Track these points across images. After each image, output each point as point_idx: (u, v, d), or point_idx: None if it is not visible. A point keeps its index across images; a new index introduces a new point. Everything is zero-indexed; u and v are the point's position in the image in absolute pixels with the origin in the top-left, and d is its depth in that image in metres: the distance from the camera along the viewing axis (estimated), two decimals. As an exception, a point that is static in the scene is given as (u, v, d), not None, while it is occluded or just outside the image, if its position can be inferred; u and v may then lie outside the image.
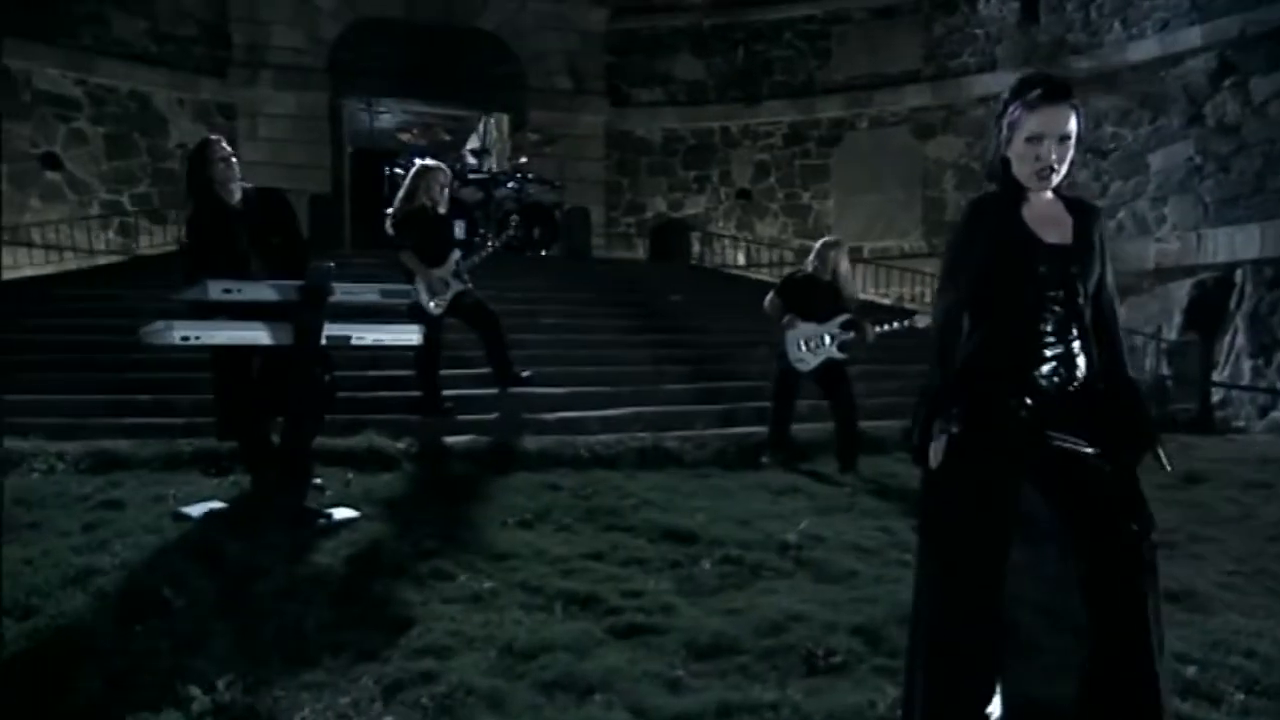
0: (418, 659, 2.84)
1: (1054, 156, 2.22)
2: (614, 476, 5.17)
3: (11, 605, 3.14)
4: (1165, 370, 10.31)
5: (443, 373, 6.35)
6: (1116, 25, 12.22)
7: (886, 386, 7.90)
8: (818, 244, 6.10)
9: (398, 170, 9.64)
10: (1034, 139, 2.22)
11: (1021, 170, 2.26)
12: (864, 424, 6.72)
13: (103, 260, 11.34)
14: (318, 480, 4.64)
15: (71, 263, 11.26)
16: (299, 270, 4.35)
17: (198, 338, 3.95)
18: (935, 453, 2.29)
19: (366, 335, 4.50)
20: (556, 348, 7.55)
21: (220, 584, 3.40)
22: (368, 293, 4.49)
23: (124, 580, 3.39)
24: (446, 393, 6.23)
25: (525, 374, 6.39)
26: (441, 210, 6.24)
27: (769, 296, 6.05)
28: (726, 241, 14.65)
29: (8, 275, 10.49)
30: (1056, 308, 2.26)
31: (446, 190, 6.24)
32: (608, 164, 14.88)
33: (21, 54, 11.60)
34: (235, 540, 3.83)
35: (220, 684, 2.54)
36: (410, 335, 4.63)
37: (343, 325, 4.40)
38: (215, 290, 3.99)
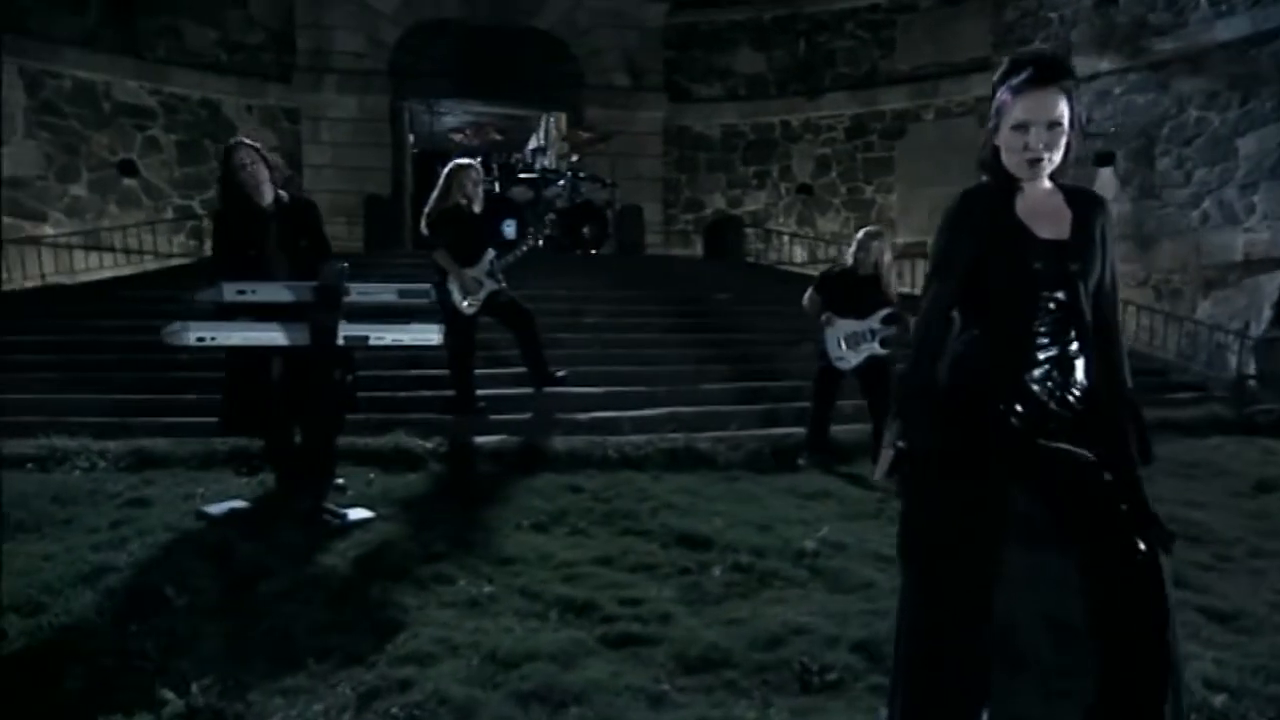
0: (400, 666, 2.80)
1: (1042, 144, 2.06)
2: (639, 478, 5.08)
3: (23, 601, 3.22)
4: (1251, 369, 9.75)
5: (481, 372, 6.35)
6: (1203, 3, 11.57)
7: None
8: (859, 234, 5.89)
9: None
10: (1020, 126, 2.06)
11: (1010, 160, 2.10)
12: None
13: (175, 262, 11.73)
14: (340, 480, 4.68)
15: (150, 264, 11.70)
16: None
17: (213, 339, 4.00)
18: (883, 463, 2.17)
19: (385, 335, 4.50)
20: (596, 347, 7.50)
21: (224, 584, 3.43)
22: (384, 293, 4.50)
23: (132, 578, 3.44)
24: (483, 392, 6.22)
25: (560, 374, 6.35)
26: (476, 209, 6.23)
27: (808, 292, 5.88)
28: (785, 238, 14.41)
29: (88, 277, 10.99)
30: (1052, 307, 2.10)
31: (480, 188, 6.23)
32: (666, 161, 14.77)
33: (103, 68, 12.09)
34: (248, 540, 3.87)
35: (195, 687, 2.54)
36: (430, 335, 4.61)
37: (361, 325, 4.42)
38: (230, 292, 4.04)
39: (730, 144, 15.00)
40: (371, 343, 4.47)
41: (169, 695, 2.50)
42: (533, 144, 14.92)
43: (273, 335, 4.14)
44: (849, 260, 5.82)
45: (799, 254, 14.30)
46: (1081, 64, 12.80)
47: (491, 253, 6.18)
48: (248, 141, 4.80)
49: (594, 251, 10.93)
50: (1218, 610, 3.37)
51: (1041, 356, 2.09)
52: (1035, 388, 2.08)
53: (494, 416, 6.05)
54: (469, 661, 2.83)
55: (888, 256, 5.78)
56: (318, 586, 3.45)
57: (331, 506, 4.26)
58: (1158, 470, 5.56)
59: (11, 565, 3.64)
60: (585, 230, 10.71)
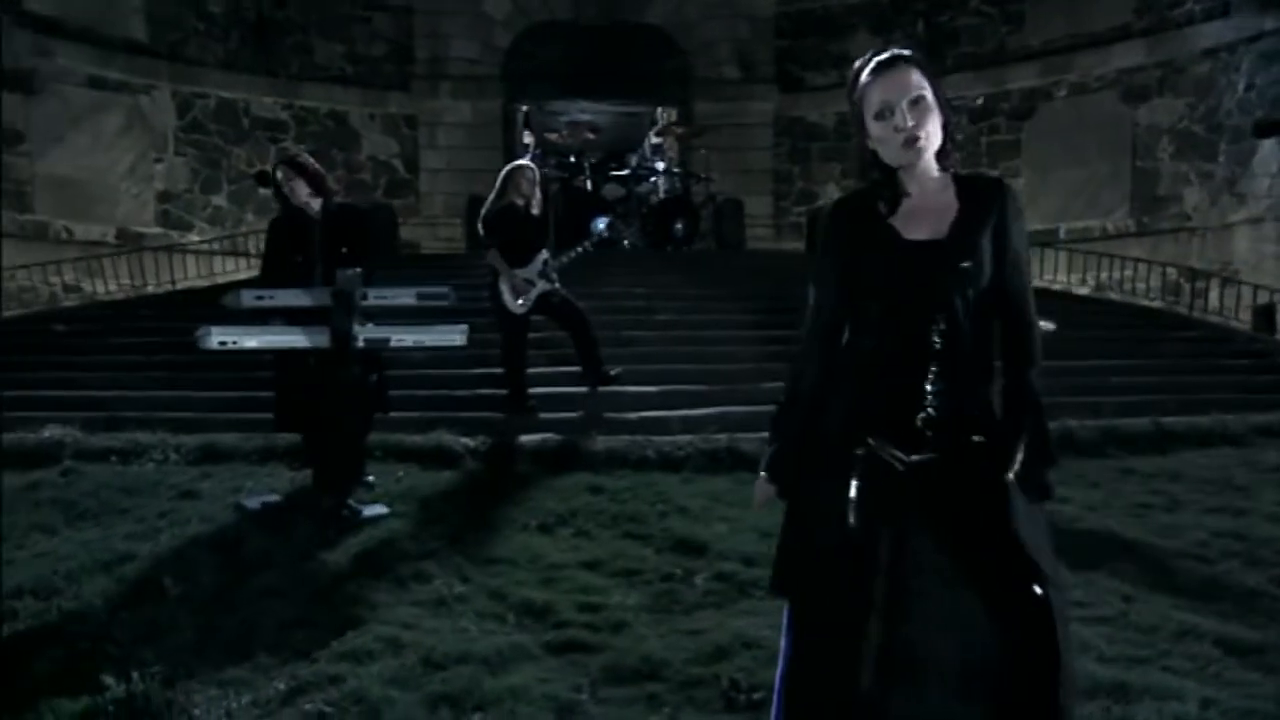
0: (338, 663, 2.90)
1: (911, 121, 1.87)
2: (667, 481, 5.02)
3: (42, 585, 3.54)
4: None
5: (540, 371, 6.46)
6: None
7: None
8: None
9: (545, 171, 9.87)
10: (883, 113, 1.89)
11: (888, 152, 1.91)
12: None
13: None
14: (370, 477, 4.87)
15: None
16: (367, 279, 4.58)
17: (235, 342, 4.25)
18: (758, 493, 2.04)
19: (406, 337, 4.65)
20: (664, 344, 7.46)
21: (222, 576, 3.65)
22: (403, 296, 4.64)
23: (143, 568, 3.72)
24: (539, 391, 6.31)
25: (614, 373, 6.36)
26: (534, 209, 6.32)
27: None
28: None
29: (224, 279, 11.88)
30: (928, 316, 1.89)
31: (537, 188, 6.32)
32: (777, 152, 14.50)
33: (242, 87, 13.05)
34: (264, 534, 4.10)
35: (136, 675, 2.71)
36: (454, 336, 4.71)
37: (383, 328, 4.58)
38: (247, 298, 4.28)
39: (845, 132, 14.44)
40: (392, 344, 4.64)
41: (110, 681, 2.68)
42: (652, 140, 14.97)
43: (293, 338, 4.36)
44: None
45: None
46: (1241, 24, 11.68)
47: (545, 253, 6.26)
48: (290, 159, 5.07)
49: (685, 247, 10.86)
50: (1239, 642, 3.01)
51: (918, 373, 1.89)
52: (910, 411, 1.88)
53: (545, 415, 6.12)
54: (404, 661, 2.90)
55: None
56: (305, 581, 3.61)
57: (351, 503, 4.45)
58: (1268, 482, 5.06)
59: (56, 550, 4.01)
60: (677, 226, 10.65)
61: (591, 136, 11.66)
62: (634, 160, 11.44)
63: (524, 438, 5.73)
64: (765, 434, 5.53)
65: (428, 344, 4.77)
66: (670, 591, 3.53)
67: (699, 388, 6.63)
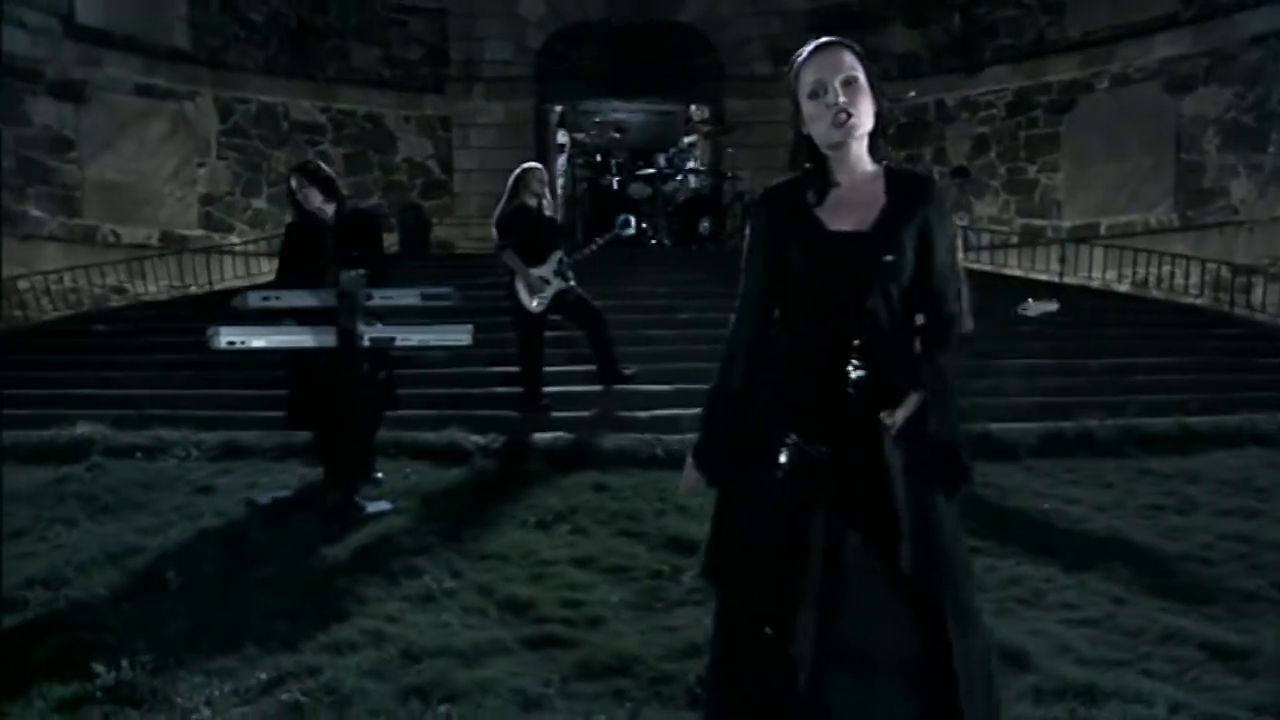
0: (319, 654, 2.98)
1: (844, 99, 1.89)
2: (673, 479, 4.94)
3: (54, 576, 3.69)
4: None
5: (556, 369, 6.52)
6: None
7: (1045, 384, 7.07)
8: None
9: (575, 171, 9.96)
10: (815, 93, 1.91)
11: (819, 131, 1.93)
12: (1004, 426, 6.07)
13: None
14: (379, 474, 4.98)
15: (316, 268, 12.78)
16: (377, 280, 4.69)
17: (242, 342, 4.38)
18: (686, 479, 2.08)
19: (412, 336, 4.75)
20: (683, 343, 7.47)
21: (222, 569, 3.76)
22: (408, 296, 4.73)
23: (150, 560, 3.85)
24: (553, 389, 6.38)
25: (628, 371, 6.40)
26: (546, 210, 6.40)
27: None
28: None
29: (262, 280, 12.17)
30: (852, 306, 1.91)
31: (546, 188, 6.39)
32: (811, 148, 14.40)
33: (282, 91, 13.34)
34: (268, 529, 4.22)
35: (125, 663, 2.82)
36: (460, 336, 4.79)
37: (389, 328, 4.68)
38: (255, 299, 4.41)
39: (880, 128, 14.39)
40: (398, 343, 4.74)
41: (100, 669, 2.79)
42: (689, 138, 14.99)
43: (299, 338, 4.48)
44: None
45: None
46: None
47: (559, 253, 6.32)
48: (303, 166, 5.20)
49: (711, 245, 10.86)
50: (1225, 647, 2.95)
51: (840, 361, 1.91)
52: (832, 399, 1.90)
53: (558, 414, 6.19)
54: (383, 654, 2.97)
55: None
56: (301, 575, 3.71)
57: (357, 499, 4.55)
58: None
59: (73, 543, 4.17)
60: (703, 224, 10.66)
61: (617, 136, 11.71)
62: (662, 160, 11.46)
63: (536, 436, 5.80)
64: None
65: (433, 343, 4.86)
66: (656, 589, 3.56)
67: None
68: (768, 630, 1.91)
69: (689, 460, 2.05)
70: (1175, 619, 3.17)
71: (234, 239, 12.79)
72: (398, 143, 13.97)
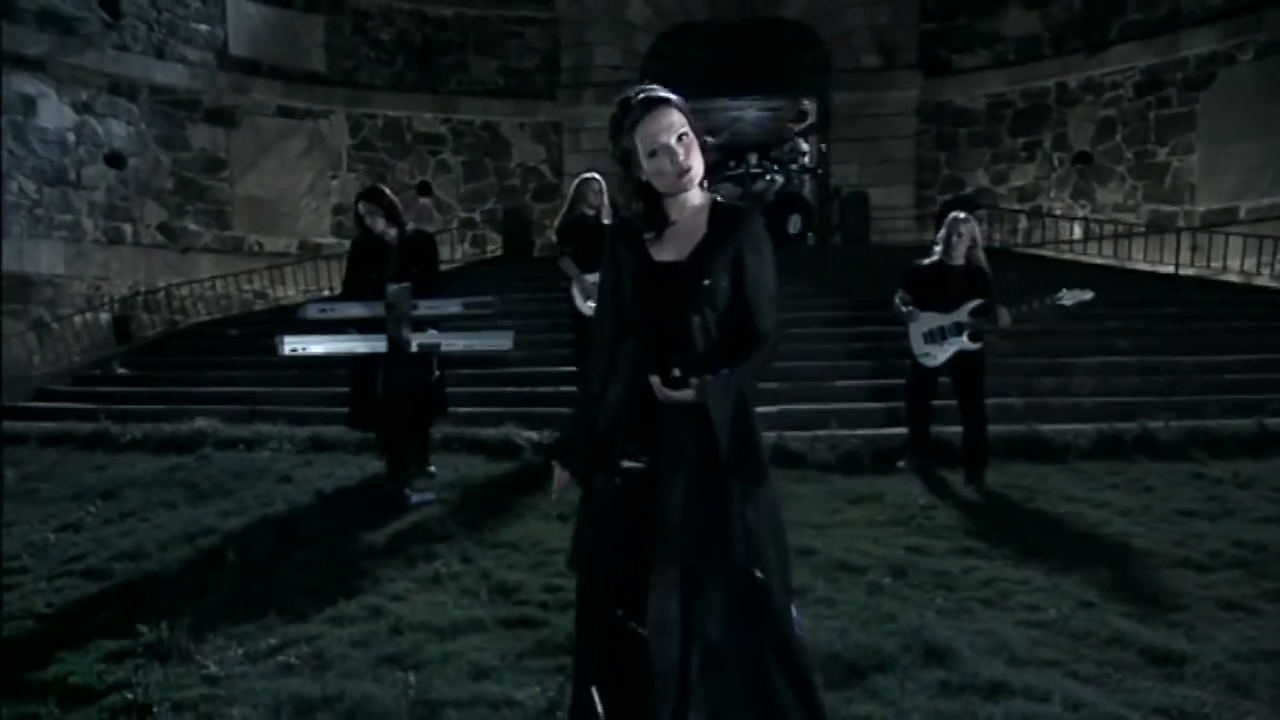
0: (321, 625, 3.43)
1: (680, 154, 2.13)
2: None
3: (140, 552, 4.33)
4: None
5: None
6: None
7: (1122, 383, 6.82)
8: (947, 219, 5.47)
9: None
10: (655, 152, 2.15)
11: (661, 182, 2.18)
12: (1058, 427, 5.97)
13: (457, 266, 13.53)
14: (431, 468, 5.45)
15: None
16: (429, 293, 5.17)
17: (304, 349, 4.92)
18: (556, 480, 2.34)
19: (457, 343, 5.19)
20: (750, 342, 7.63)
21: (272, 549, 4.29)
22: (450, 306, 5.16)
23: (217, 540, 4.44)
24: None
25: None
26: (604, 218, 6.71)
27: (899, 292, 5.60)
28: (1021, 216, 13.17)
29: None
30: (676, 329, 2.15)
31: (605, 198, 6.70)
32: (922, 139, 14.13)
33: (406, 105, 14.28)
34: (322, 516, 4.75)
35: (164, 625, 3.35)
36: (501, 341, 5.19)
37: (436, 334, 5.14)
38: (313, 311, 4.94)
39: (996, 115, 13.98)
40: (443, 349, 5.19)
41: (144, 629, 3.33)
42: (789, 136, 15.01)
43: (352, 345, 4.99)
44: (935, 253, 5.45)
45: (1069, 231, 12.99)
46: None
47: (616, 259, 6.62)
48: (370, 192, 5.69)
49: (800, 244, 10.89)
50: (1166, 653, 2.94)
51: (664, 369, 2.14)
52: (654, 408, 2.14)
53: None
54: (375, 627, 3.38)
55: (979, 242, 5.33)
56: (334, 556, 4.19)
57: (407, 491, 5.03)
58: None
59: (166, 524, 4.84)
60: (791, 222, 10.71)
61: (710, 140, 11.87)
62: (753, 158, 11.56)
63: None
64: (814, 432, 5.78)
65: (477, 349, 5.27)
66: (639, 578, 3.82)
67: (768, 385, 6.78)
68: (621, 613, 2.19)
69: (554, 463, 2.33)
70: (1129, 624, 3.17)
71: (363, 245, 13.78)
72: (512, 149, 14.67)
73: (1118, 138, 13.08)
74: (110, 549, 4.44)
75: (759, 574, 2.08)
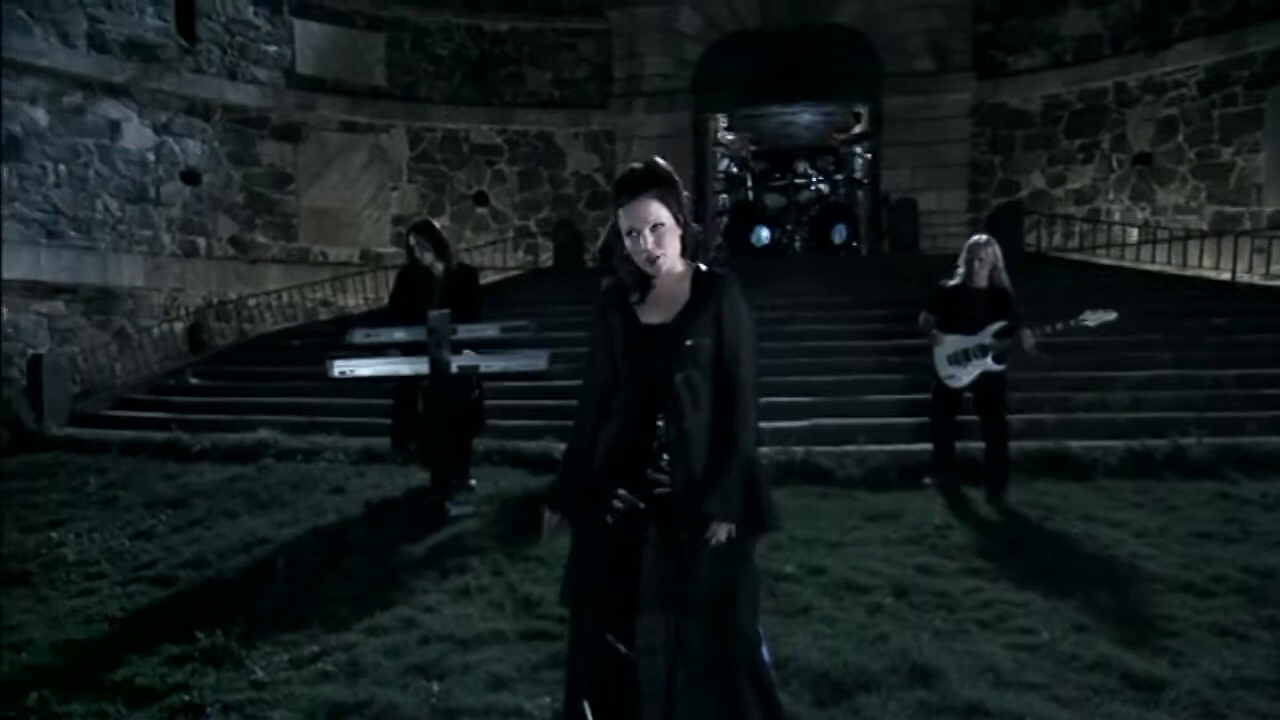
0: (358, 635, 3.73)
1: (651, 244, 2.36)
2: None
3: (202, 560, 4.72)
4: None
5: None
6: None
7: (1159, 398, 6.79)
8: (968, 243, 5.54)
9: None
10: (630, 233, 2.38)
11: (636, 260, 2.42)
12: (1088, 444, 6.01)
13: (512, 273, 13.90)
14: (472, 481, 5.76)
15: (494, 277, 13.97)
16: (468, 320, 5.46)
17: (351, 371, 5.27)
18: (546, 524, 2.57)
19: (495, 364, 5.48)
20: (789, 356, 7.78)
21: (321, 559, 4.64)
22: (488, 330, 5.45)
23: (271, 549, 4.80)
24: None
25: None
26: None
27: (922, 313, 5.70)
28: (1059, 220, 12.98)
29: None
30: (662, 384, 2.38)
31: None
32: (976, 142, 14.02)
33: (464, 118, 14.73)
34: (368, 526, 5.08)
35: (219, 631, 3.70)
36: (536, 362, 5.46)
37: (475, 356, 5.44)
38: (359, 335, 5.28)
39: (1052, 116, 13.81)
40: (482, 370, 5.48)
41: (201, 635, 3.68)
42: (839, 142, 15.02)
43: (396, 367, 5.32)
44: (957, 276, 5.54)
45: (1125, 235, 12.76)
46: None
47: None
48: (422, 226, 5.97)
49: (844, 253, 10.96)
50: (1147, 678, 3.06)
51: (652, 420, 2.38)
52: (647, 448, 2.38)
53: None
54: (407, 637, 3.68)
55: (1001, 262, 5.40)
56: (377, 567, 4.51)
57: (448, 504, 5.34)
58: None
59: (226, 533, 5.23)
60: (836, 232, 10.79)
61: (754, 148, 12.03)
62: (802, 168, 11.66)
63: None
64: (842, 447, 5.97)
65: (515, 369, 5.55)
66: (654, 594, 4.05)
67: (804, 399, 6.95)
68: (611, 639, 2.43)
69: (544, 507, 2.57)
70: (1116, 649, 3.28)
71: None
72: (566, 158, 15.00)
73: (1179, 138, 12.82)
74: (177, 557, 4.84)
75: (733, 608, 2.30)
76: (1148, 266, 11.66)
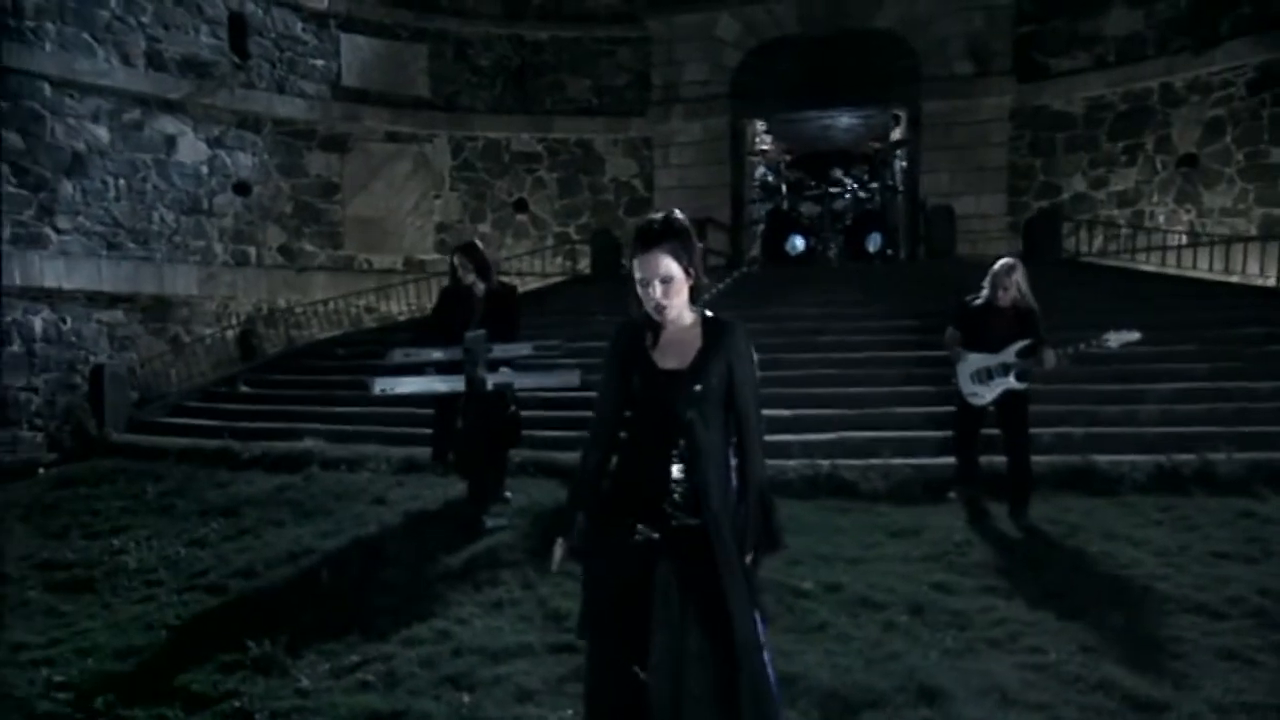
0: (396, 645, 3.96)
1: (660, 295, 2.53)
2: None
3: (251, 570, 4.99)
4: None
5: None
6: None
7: (1190, 411, 6.77)
8: (995, 266, 5.59)
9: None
10: (641, 283, 2.56)
11: (646, 306, 2.59)
12: (1115, 458, 6.05)
13: (554, 280, 14.13)
14: (507, 494, 5.97)
15: (534, 284, 14.22)
16: (505, 340, 5.67)
17: (392, 389, 5.51)
18: (556, 553, 2.75)
19: (529, 381, 5.68)
20: (817, 367, 7.87)
21: (361, 570, 4.88)
22: (522, 349, 5.65)
23: (315, 561, 5.06)
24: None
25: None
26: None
27: (949, 328, 5.78)
28: (1101, 227, 12.79)
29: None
30: (677, 424, 2.54)
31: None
32: (1016, 145, 13.94)
33: (504, 127, 15.00)
34: (408, 538, 5.31)
35: (267, 640, 3.94)
36: (569, 379, 5.65)
37: (510, 374, 5.65)
38: (397, 355, 5.52)
39: (1095, 118, 13.67)
40: (516, 387, 5.69)
41: (250, 643, 3.93)
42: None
43: (435, 385, 5.55)
44: (981, 296, 5.60)
45: (1179, 239, 12.59)
46: None
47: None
48: (465, 248, 6.17)
49: (878, 261, 11.00)
50: (1149, 700, 3.15)
51: (665, 460, 2.55)
52: (660, 488, 2.55)
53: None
54: (441, 649, 3.89)
55: (1025, 285, 5.45)
56: (415, 578, 4.74)
57: (484, 516, 5.56)
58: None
59: (273, 543, 5.50)
60: (870, 240, 10.84)
61: (787, 157, 12.10)
62: (837, 173, 11.72)
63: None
64: (867, 460, 6.11)
65: (549, 386, 5.75)
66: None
67: (833, 411, 7.05)
68: (625, 663, 2.61)
69: (558, 540, 2.74)
70: (1121, 671, 3.37)
71: (465, 261, 14.55)
72: (605, 165, 15.20)
73: (1227, 139, 12.62)
74: (229, 565, 5.12)
75: (741, 629, 2.46)
76: (1190, 273, 11.51)
